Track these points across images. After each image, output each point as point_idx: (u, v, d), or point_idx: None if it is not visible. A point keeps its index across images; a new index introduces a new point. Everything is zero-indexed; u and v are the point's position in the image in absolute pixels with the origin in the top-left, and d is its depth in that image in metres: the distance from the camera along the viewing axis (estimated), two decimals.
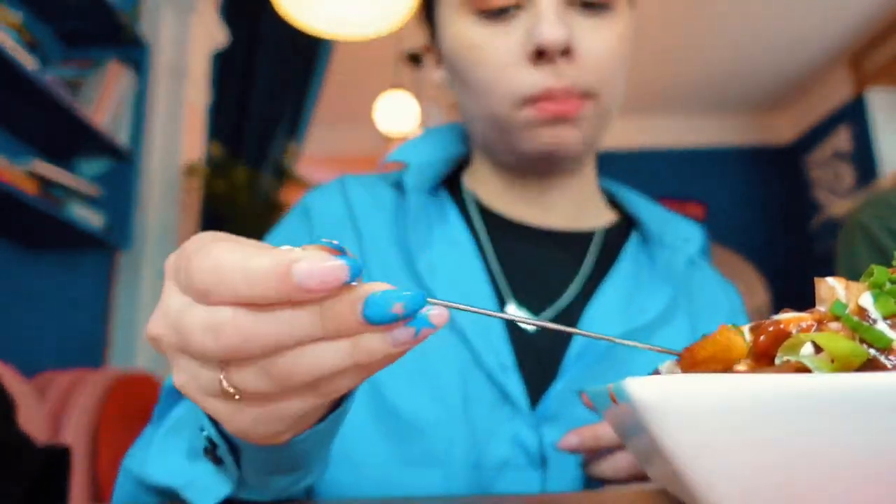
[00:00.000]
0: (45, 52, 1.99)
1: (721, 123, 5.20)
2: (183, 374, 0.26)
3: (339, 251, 0.24)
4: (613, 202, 0.69)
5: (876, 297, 0.28)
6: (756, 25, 3.90)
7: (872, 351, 0.27)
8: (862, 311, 0.28)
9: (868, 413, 0.22)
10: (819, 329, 0.28)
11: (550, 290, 0.57)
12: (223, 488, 0.35)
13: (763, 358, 0.30)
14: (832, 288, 0.29)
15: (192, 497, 0.35)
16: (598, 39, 0.52)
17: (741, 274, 5.23)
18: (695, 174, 5.12)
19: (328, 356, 0.24)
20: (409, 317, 0.23)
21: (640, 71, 4.43)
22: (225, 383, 0.25)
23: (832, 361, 0.26)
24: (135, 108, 2.06)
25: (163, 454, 0.38)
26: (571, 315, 0.56)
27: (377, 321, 0.23)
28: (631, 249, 0.61)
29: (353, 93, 4.38)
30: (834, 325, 0.28)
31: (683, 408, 0.23)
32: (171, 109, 2.44)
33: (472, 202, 0.63)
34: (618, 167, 5.14)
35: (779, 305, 4.78)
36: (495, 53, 0.52)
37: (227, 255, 0.23)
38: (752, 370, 0.29)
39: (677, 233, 0.62)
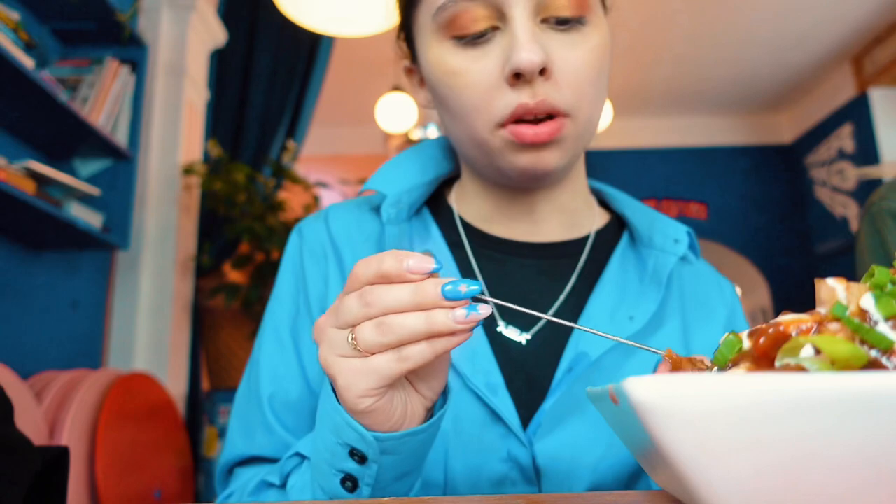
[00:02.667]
0: (42, 52, 1.98)
1: (723, 123, 5.19)
2: (326, 347, 0.40)
3: (434, 257, 0.38)
4: (603, 202, 0.70)
5: (877, 299, 0.27)
6: (758, 25, 3.89)
7: (874, 353, 0.27)
8: (863, 313, 0.28)
9: (868, 413, 0.22)
10: (819, 331, 0.28)
11: (538, 305, 0.59)
12: None
13: (763, 360, 0.30)
14: (832, 289, 0.29)
15: None
16: (573, 56, 0.52)
17: (742, 273, 5.23)
18: (697, 174, 5.12)
19: (412, 320, 0.37)
20: (468, 299, 0.37)
21: (641, 71, 4.43)
22: (351, 338, 0.38)
23: (832, 364, 0.26)
24: (133, 108, 2.06)
25: None
26: (561, 327, 0.57)
27: (449, 297, 0.37)
28: (620, 252, 0.63)
29: (353, 93, 4.38)
30: (834, 326, 0.28)
31: (683, 408, 0.23)
32: (169, 109, 2.44)
33: (458, 221, 0.64)
34: (619, 167, 5.14)
35: (780, 305, 4.78)
36: (474, 78, 0.52)
37: (373, 259, 0.38)
38: (752, 372, 0.28)
39: (666, 234, 0.62)
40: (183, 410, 2.38)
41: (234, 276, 2.89)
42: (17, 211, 1.62)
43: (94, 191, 1.82)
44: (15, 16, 1.59)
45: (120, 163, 2.07)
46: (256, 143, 2.89)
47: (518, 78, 0.51)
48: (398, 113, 3.38)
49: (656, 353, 0.40)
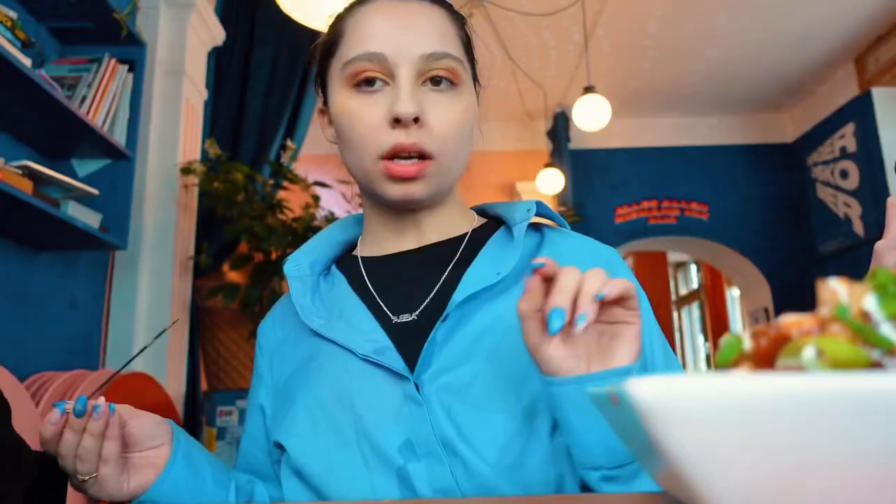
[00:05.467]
0: (40, 51, 1.98)
1: (724, 122, 5.19)
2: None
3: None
4: (485, 214, 0.83)
5: (880, 300, 0.27)
6: (760, 24, 3.89)
7: (876, 354, 0.27)
8: (865, 314, 0.27)
9: (870, 414, 0.22)
10: (821, 332, 0.28)
11: (424, 290, 0.72)
12: None
13: (764, 362, 0.30)
14: (834, 290, 0.28)
15: None
16: (442, 112, 0.68)
17: (744, 274, 5.22)
18: (698, 174, 5.12)
19: (86, 440, 0.61)
20: (89, 410, 0.61)
21: (643, 71, 4.43)
22: (78, 476, 0.61)
23: (834, 365, 0.26)
24: (131, 107, 2.05)
25: None
26: (443, 301, 0.69)
27: (78, 413, 0.60)
28: (496, 238, 0.75)
29: None
30: (835, 327, 0.28)
31: (684, 408, 0.23)
32: (168, 108, 2.44)
33: (360, 262, 0.79)
34: (619, 167, 5.14)
35: (781, 306, 4.77)
36: (365, 118, 0.67)
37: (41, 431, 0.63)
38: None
39: (521, 209, 0.73)
40: (181, 411, 2.38)
41: (232, 276, 2.89)
42: (14, 211, 1.62)
43: (92, 190, 1.82)
44: (12, 14, 1.59)
45: (118, 162, 2.07)
46: (256, 142, 2.89)
47: (397, 122, 0.66)
48: None
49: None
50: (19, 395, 1.50)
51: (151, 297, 2.31)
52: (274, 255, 2.53)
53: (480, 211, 0.84)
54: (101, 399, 0.61)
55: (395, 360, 0.65)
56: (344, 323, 0.71)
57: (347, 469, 0.63)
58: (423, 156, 0.67)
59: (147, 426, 0.66)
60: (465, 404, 0.62)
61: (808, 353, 0.26)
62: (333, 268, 0.81)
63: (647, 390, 0.23)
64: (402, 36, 0.68)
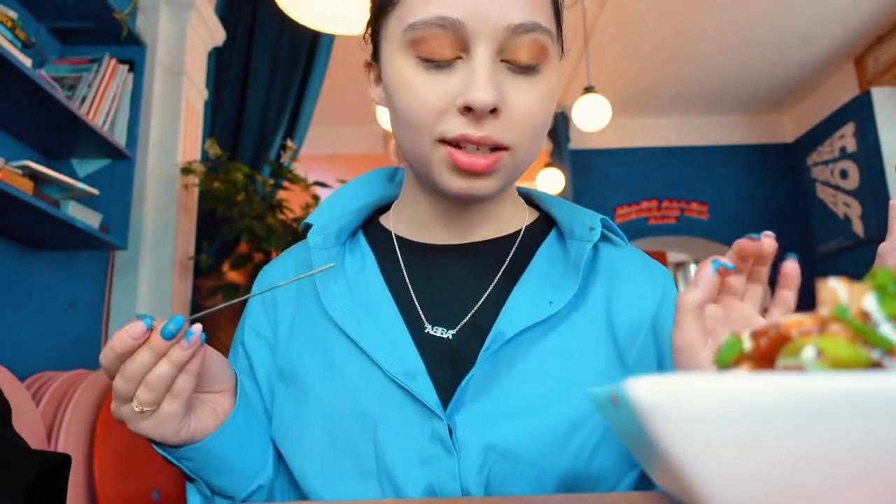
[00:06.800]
0: (40, 51, 1.98)
1: (724, 122, 5.19)
2: (128, 422, 0.52)
3: None
4: (531, 203, 0.75)
5: (880, 300, 0.27)
6: (760, 24, 3.88)
7: (876, 354, 0.27)
8: (865, 314, 0.27)
9: (869, 414, 0.22)
10: (821, 332, 0.28)
11: (465, 302, 0.63)
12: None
13: (764, 362, 0.30)
14: (834, 290, 0.28)
15: None
16: (523, 100, 0.56)
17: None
18: (698, 174, 5.12)
19: (162, 369, 0.49)
20: (182, 334, 0.49)
21: (643, 71, 4.42)
22: (136, 406, 0.50)
23: (834, 365, 0.26)
24: (131, 107, 2.05)
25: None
26: (485, 321, 0.61)
27: (168, 336, 0.48)
28: (547, 245, 0.67)
29: (353, 92, 4.37)
30: (835, 327, 0.28)
31: (684, 408, 0.23)
32: (168, 108, 2.43)
33: (393, 237, 0.69)
34: (620, 167, 5.14)
35: None
36: (429, 98, 0.56)
37: (107, 347, 0.51)
38: None
39: (583, 224, 0.66)
40: None
41: (232, 276, 2.89)
42: (14, 211, 1.62)
43: (92, 190, 1.82)
44: (12, 14, 1.59)
45: (118, 162, 2.07)
46: (255, 142, 2.89)
47: (468, 110, 0.55)
48: None
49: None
50: (19, 395, 1.50)
51: (151, 297, 2.31)
52: (274, 255, 2.52)
53: (526, 197, 0.74)
54: (198, 326, 0.50)
55: (427, 391, 0.57)
56: (371, 321, 0.61)
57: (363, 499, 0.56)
58: (496, 147, 0.57)
59: (217, 366, 0.57)
60: (503, 461, 0.55)
61: (808, 353, 0.26)
62: (360, 236, 0.70)
63: (646, 390, 0.23)
64: None
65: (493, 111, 0.55)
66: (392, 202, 0.74)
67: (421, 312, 0.63)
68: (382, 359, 0.58)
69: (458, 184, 0.58)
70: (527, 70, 0.57)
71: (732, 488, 0.24)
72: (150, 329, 0.48)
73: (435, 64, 0.56)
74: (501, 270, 0.65)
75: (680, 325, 0.48)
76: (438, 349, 0.60)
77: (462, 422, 0.56)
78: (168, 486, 1.96)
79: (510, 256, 0.66)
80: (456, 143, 0.56)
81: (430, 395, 0.56)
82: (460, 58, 0.56)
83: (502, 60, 0.56)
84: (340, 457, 0.57)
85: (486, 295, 0.63)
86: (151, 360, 0.48)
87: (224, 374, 0.57)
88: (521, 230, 0.69)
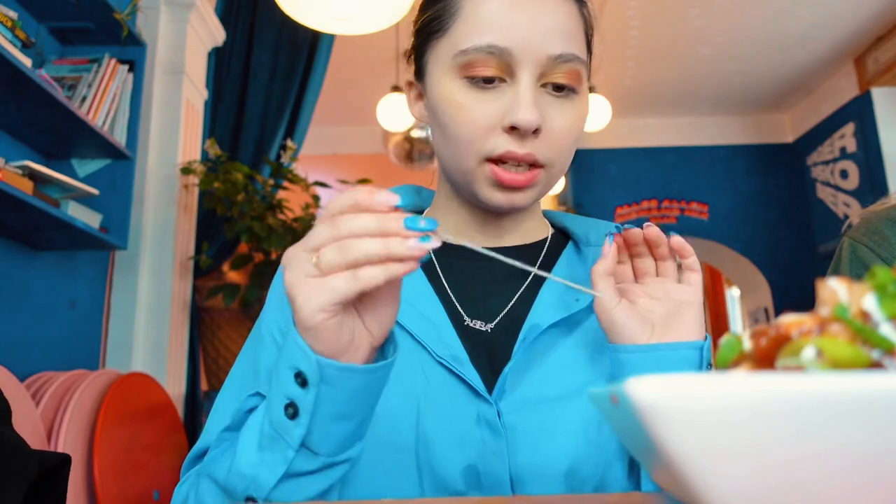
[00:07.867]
0: (40, 51, 1.98)
1: (724, 122, 5.19)
2: (291, 269, 0.44)
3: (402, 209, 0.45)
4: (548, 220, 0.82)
5: (880, 300, 0.27)
6: (760, 24, 3.88)
7: (876, 354, 0.27)
8: (865, 314, 0.27)
9: (869, 414, 0.22)
10: (821, 332, 0.28)
11: (500, 299, 0.68)
12: (280, 468, 0.48)
13: (764, 362, 0.29)
14: (834, 290, 0.28)
15: (260, 479, 0.48)
16: (562, 120, 0.62)
17: (744, 274, 5.22)
18: (698, 174, 5.12)
19: (370, 243, 0.42)
20: (423, 232, 0.42)
21: (644, 71, 4.42)
22: (314, 259, 0.43)
23: (834, 366, 0.26)
24: (131, 107, 2.06)
25: (236, 454, 0.50)
26: (519, 316, 0.67)
27: (409, 226, 0.42)
28: (566, 255, 0.73)
29: (353, 92, 4.37)
30: (835, 327, 0.28)
31: (684, 408, 0.23)
32: (168, 108, 2.44)
33: None
34: (620, 167, 5.13)
35: (781, 305, 4.77)
36: (476, 117, 0.61)
37: (347, 192, 0.44)
38: None
39: (600, 231, 0.73)
40: (181, 411, 2.38)
41: (232, 276, 2.89)
42: (14, 211, 1.62)
43: (92, 190, 1.82)
44: (12, 14, 1.59)
45: (118, 162, 2.07)
46: (255, 142, 2.89)
47: (513, 129, 0.60)
48: (398, 112, 3.38)
49: (595, 294, 0.58)
50: (19, 395, 1.50)
51: (151, 297, 2.31)
52: (274, 255, 2.52)
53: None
54: (433, 244, 0.43)
55: (474, 377, 0.60)
56: (416, 312, 0.64)
57: (396, 477, 0.58)
58: (534, 164, 0.62)
59: (387, 320, 0.50)
60: (545, 441, 0.59)
61: (808, 353, 0.26)
62: None
63: (646, 390, 0.23)
64: (530, 30, 0.60)
65: (536, 131, 0.60)
66: (422, 211, 0.79)
67: (459, 307, 0.67)
68: (432, 343, 0.62)
69: (498, 197, 0.63)
70: (565, 92, 0.63)
71: (732, 488, 0.23)
72: (399, 209, 0.44)
73: (481, 84, 0.61)
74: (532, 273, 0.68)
75: (597, 289, 0.58)
76: (478, 341, 0.65)
77: (507, 407, 0.60)
78: (168, 487, 1.96)
79: (539, 261, 0.72)
80: (498, 160, 0.61)
81: (476, 380, 0.61)
82: (504, 80, 0.61)
83: (542, 85, 0.62)
84: (376, 432, 0.57)
85: (518, 293, 0.68)
86: (371, 230, 0.42)
87: (388, 316, 0.49)
88: (547, 237, 0.75)
